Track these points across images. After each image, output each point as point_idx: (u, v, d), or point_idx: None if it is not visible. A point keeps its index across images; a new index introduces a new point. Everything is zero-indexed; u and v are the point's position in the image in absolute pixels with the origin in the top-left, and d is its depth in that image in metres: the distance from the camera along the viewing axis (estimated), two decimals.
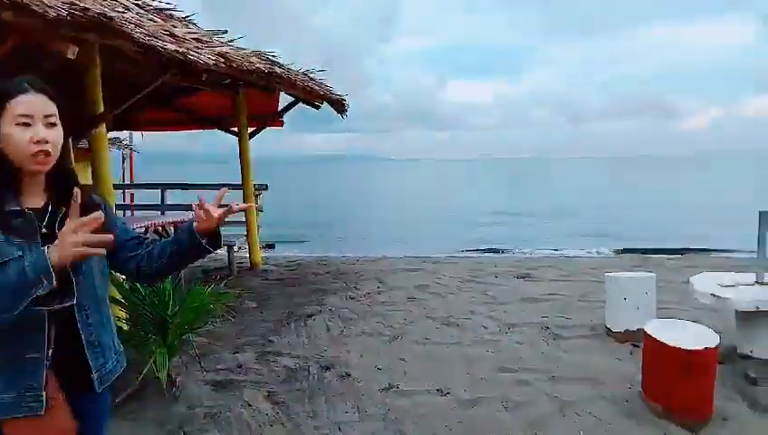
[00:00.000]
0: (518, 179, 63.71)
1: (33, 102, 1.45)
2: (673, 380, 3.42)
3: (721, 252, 11.31)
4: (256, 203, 8.63)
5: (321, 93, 7.34)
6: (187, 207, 8.31)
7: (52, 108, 1.48)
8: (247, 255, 8.55)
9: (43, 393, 1.47)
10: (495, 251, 12.23)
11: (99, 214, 1.37)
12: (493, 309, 6.04)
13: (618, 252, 11.78)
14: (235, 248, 8.20)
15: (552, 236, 15.24)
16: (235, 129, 8.27)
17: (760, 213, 4.37)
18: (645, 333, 3.68)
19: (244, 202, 7.92)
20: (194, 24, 6.08)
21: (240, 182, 8.29)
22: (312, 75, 7.18)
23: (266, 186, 9.04)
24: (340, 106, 7.85)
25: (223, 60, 4.95)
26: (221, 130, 8.74)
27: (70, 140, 1.62)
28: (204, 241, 1.63)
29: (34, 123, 1.44)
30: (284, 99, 8.24)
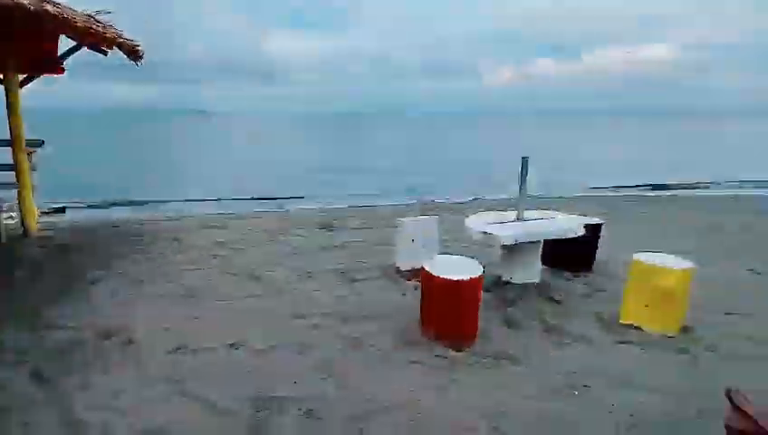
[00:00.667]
0: (339, 135, 64.56)
1: None
2: (444, 307, 3.82)
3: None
4: (30, 161, 7.50)
5: (108, 37, 6.49)
6: None
7: None
8: (19, 220, 7.46)
9: None
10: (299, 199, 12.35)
11: None
12: (294, 260, 6.12)
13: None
14: (4, 213, 7.09)
15: (363, 189, 15.81)
16: (1, 75, 7.01)
17: (522, 158, 4.98)
18: (422, 268, 4.03)
19: (13, 161, 6.95)
20: None
21: (8, 137, 7.11)
22: (98, 17, 6.31)
23: (42, 142, 7.87)
24: (133, 53, 7.03)
25: None
26: None
27: None
28: None
29: None
30: (67, 43, 7.18)
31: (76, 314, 4.45)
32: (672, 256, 4.46)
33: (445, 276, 3.77)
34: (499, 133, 62.17)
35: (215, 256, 6.30)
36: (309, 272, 5.61)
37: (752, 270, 5.69)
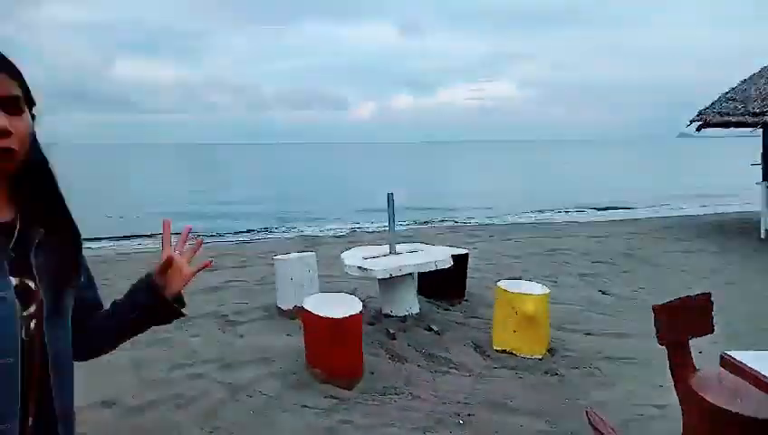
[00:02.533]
0: (199, 166, 62.18)
1: None
2: (327, 346, 3.85)
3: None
4: None
5: None
6: None
7: (15, 89, 1.03)
8: None
9: None
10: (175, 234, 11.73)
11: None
12: None
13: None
14: None
15: (231, 222, 15.38)
16: None
17: (388, 194, 5.21)
18: (303, 308, 4.05)
19: None
20: None
21: None
22: None
23: None
24: None
25: None
26: None
27: (33, 128, 1.08)
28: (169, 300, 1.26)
29: None
30: None
31: None
32: (530, 281, 4.92)
33: (326, 315, 3.81)
34: (366, 162, 64.07)
35: None
36: (187, 317, 5.34)
37: (602, 292, 6.40)
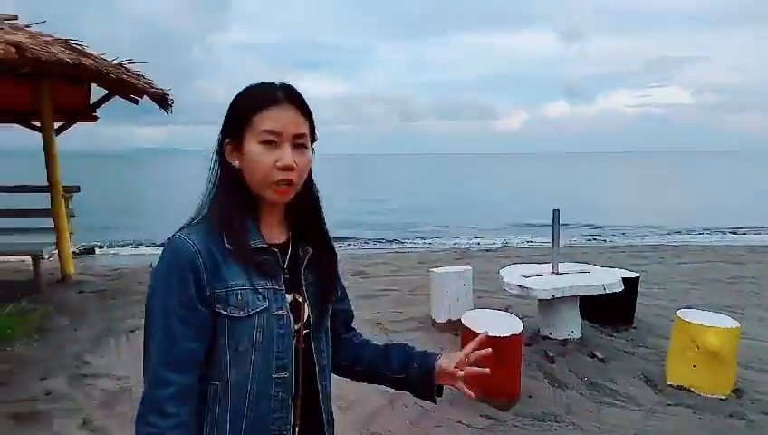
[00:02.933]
0: (355, 175, 65.31)
1: (284, 117, 1.12)
2: (486, 365, 3.78)
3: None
4: (67, 207, 7.72)
5: (139, 87, 6.79)
6: None
7: (303, 127, 1.15)
8: (58, 265, 7.63)
9: None
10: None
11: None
12: None
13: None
14: (46, 257, 7.28)
15: (385, 231, 15.90)
16: (38, 123, 7.32)
17: (554, 211, 5.00)
18: (461, 323, 4.02)
19: (51, 206, 7.16)
20: None
21: (46, 183, 7.36)
22: (128, 66, 6.60)
23: (78, 187, 8.11)
24: (162, 100, 7.33)
25: (14, 49, 4.35)
26: (20, 124, 7.68)
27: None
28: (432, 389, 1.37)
29: (281, 143, 1.11)
30: (99, 91, 7.49)
31: (119, 364, 4.51)
32: (714, 313, 4.40)
33: (479, 329, 3.75)
34: (522, 174, 62.30)
35: None
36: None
37: None
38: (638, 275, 5.66)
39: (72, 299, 6.53)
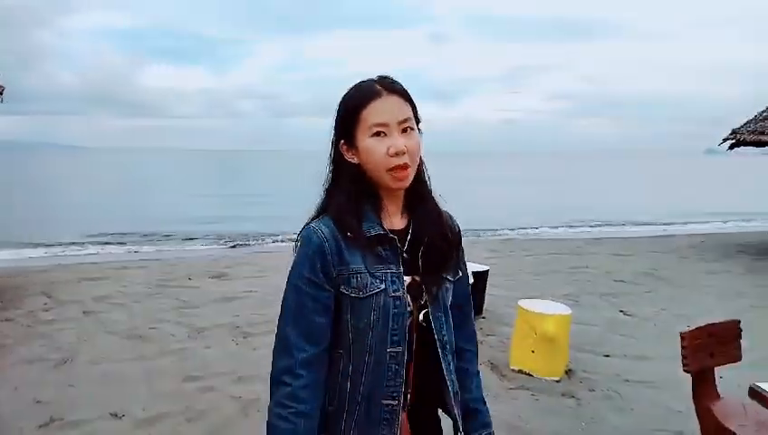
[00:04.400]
0: (226, 171, 62.85)
1: (387, 108, 1.22)
2: None
3: None
4: None
5: None
6: None
7: (407, 111, 1.24)
8: None
9: None
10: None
11: None
12: (183, 314, 5.80)
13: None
14: None
15: (251, 228, 15.43)
16: None
17: None
18: None
19: None
20: None
21: None
22: None
23: None
24: None
25: None
26: None
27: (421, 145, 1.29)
28: None
29: (390, 132, 1.21)
30: None
31: None
32: (552, 301, 4.80)
33: None
34: None
35: (91, 313, 5.81)
36: (200, 328, 5.33)
37: (623, 312, 6.23)
38: (488, 268, 6.02)
39: None
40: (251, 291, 6.81)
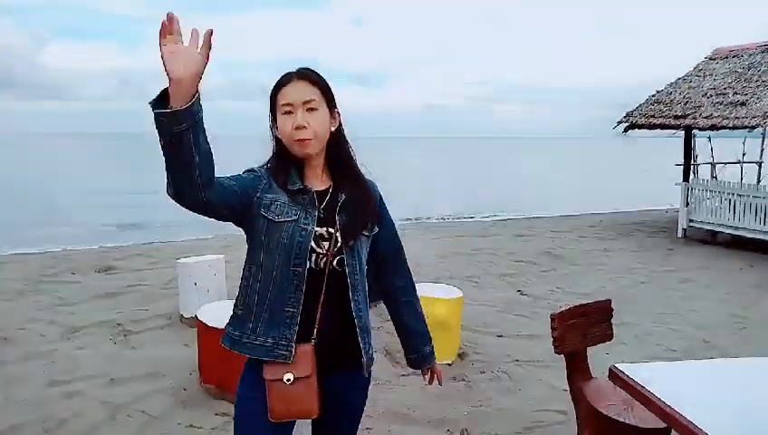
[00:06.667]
0: (124, 157, 59.39)
1: (294, 90, 1.53)
2: (220, 359, 3.55)
3: None
4: None
5: None
6: None
7: (312, 93, 1.54)
8: None
9: (293, 345, 1.52)
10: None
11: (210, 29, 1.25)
12: (58, 312, 5.30)
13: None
14: None
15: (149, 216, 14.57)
16: None
17: None
18: (196, 317, 3.72)
19: None
20: None
21: None
22: None
23: None
24: None
25: None
26: None
27: (339, 120, 1.63)
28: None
29: (295, 110, 1.51)
30: None
31: None
32: (447, 285, 4.79)
33: (216, 326, 3.50)
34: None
35: None
36: (76, 327, 4.88)
37: (520, 292, 6.37)
38: None
39: None
40: (139, 284, 6.37)
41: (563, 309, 2.80)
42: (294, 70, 1.56)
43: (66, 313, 5.29)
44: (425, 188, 25.20)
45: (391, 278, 1.81)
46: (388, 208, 1.78)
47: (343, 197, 1.60)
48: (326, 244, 1.55)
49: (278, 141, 1.60)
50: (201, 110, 1.26)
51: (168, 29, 1.20)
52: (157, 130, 1.24)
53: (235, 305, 1.63)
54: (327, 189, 1.62)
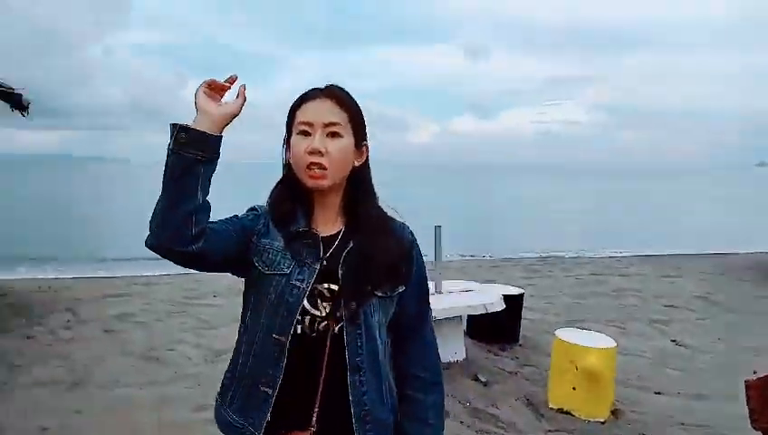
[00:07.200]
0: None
1: (316, 109, 1.23)
2: None
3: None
4: None
5: None
6: None
7: (336, 115, 1.23)
8: None
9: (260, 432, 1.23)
10: None
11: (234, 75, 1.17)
12: (202, 335, 5.57)
13: None
14: None
15: None
16: None
17: (435, 227, 4.80)
18: None
19: None
20: None
21: None
22: None
23: None
24: (16, 103, 6.44)
25: None
26: None
27: (366, 155, 1.32)
28: None
29: (314, 132, 1.22)
30: None
31: None
32: (594, 332, 4.36)
33: None
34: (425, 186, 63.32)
35: (109, 332, 5.65)
36: (219, 351, 5.08)
37: (675, 342, 5.69)
38: (523, 291, 5.60)
39: None
40: None
41: (761, 375, 2.34)
42: (324, 86, 1.27)
43: (210, 336, 5.54)
44: (548, 219, 24.14)
45: (406, 363, 1.35)
46: (424, 260, 1.37)
47: (350, 245, 1.26)
48: (327, 305, 1.22)
49: (289, 168, 1.29)
50: (220, 154, 1.17)
51: (220, 86, 1.17)
52: (168, 156, 1.11)
53: (227, 369, 1.36)
54: (337, 234, 1.29)
